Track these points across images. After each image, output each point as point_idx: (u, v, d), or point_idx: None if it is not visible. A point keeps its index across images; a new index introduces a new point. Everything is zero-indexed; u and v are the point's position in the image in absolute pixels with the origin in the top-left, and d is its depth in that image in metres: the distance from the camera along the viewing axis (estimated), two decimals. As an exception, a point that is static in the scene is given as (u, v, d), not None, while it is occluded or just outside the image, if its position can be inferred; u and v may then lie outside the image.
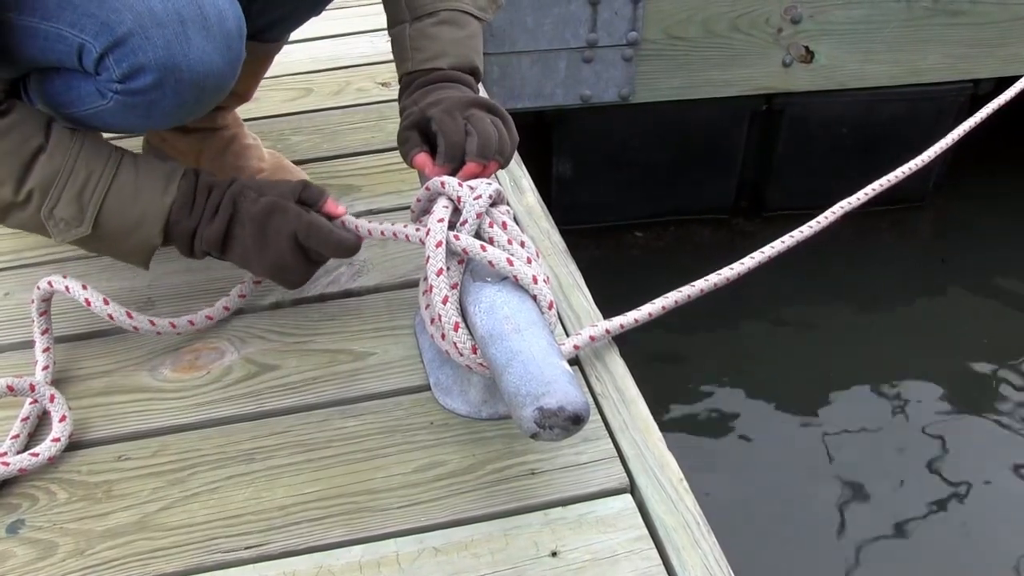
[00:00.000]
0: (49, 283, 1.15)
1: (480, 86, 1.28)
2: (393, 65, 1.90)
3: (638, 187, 2.73)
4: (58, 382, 1.17)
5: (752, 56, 2.55)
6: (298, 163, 1.54)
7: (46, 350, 1.18)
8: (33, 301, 1.18)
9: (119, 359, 1.20)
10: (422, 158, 1.14)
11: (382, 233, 1.11)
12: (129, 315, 1.15)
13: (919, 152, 2.23)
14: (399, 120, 1.68)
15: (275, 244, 1.09)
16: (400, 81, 1.27)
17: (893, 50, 2.61)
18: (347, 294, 1.28)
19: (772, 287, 2.64)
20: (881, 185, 1.48)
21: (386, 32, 2.06)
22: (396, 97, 1.77)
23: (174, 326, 1.19)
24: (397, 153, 1.57)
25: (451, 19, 1.23)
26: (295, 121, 1.73)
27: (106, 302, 1.14)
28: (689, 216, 2.82)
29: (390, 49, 1.96)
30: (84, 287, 1.14)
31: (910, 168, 1.55)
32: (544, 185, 2.63)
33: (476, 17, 1.26)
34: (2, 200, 1.05)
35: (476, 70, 1.24)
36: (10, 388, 1.09)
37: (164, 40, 0.97)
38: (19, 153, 1.03)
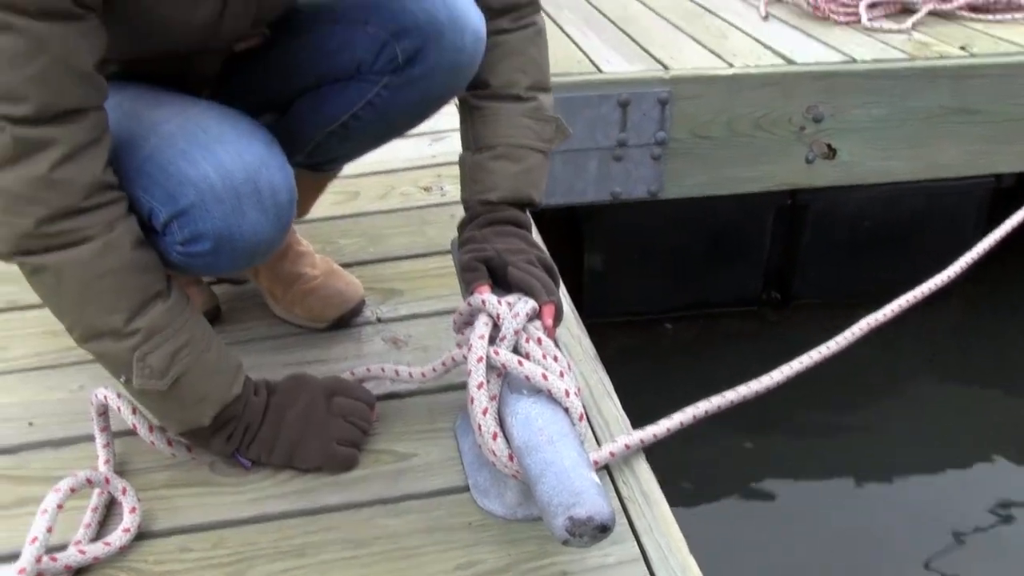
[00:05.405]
0: (104, 397, 1.25)
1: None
2: (434, 171, 2.06)
3: (667, 279, 2.83)
4: (121, 474, 1.25)
5: (775, 153, 2.65)
6: (345, 266, 1.64)
7: (106, 445, 1.28)
8: (92, 404, 1.27)
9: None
10: (485, 289, 1.22)
11: (441, 365, 1.27)
12: (169, 443, 1.25)
13: (941, 245, 2.31)
14: (439, 223, 1.82)
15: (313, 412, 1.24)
16: (462, 201, 1.35)
17: (913, 146, 2.71)
18: (391, 396, 1.38)
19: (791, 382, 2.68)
20: (908, 301, 1.55)
21: (430, 136, 2.23)
22: (436, 202, 1.92)
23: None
24: (437, 258, 1.71)
25: (508, 154, 1.30)
26: (343, 224, 1.85)
27: (151, 429, 1.23)
28: (718, 307, 2.90)
29: (432, 153, 2.13)
30: (134, 411, 1.23)
31: (935, 285, 1.62)
32: (576, 278, 2.73)
33: (537, 149, 1.32)
34: (107, 325, 1.09)
35: (529, 202, 1.32)
36: (89, 481, 1.18)
37: (222, 214, 1.08)
38: (145, 290, 1.10)
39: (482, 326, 1.14)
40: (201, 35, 1.18)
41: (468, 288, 1.23)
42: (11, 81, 0.97)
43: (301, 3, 1.34)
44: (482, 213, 1.30)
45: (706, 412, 1.33)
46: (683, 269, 2.81)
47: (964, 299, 2.96)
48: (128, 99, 1.16)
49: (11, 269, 1.11)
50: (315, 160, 1.43)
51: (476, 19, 1.27)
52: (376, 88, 1.30)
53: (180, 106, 1.17)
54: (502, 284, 1.23)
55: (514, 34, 1.33)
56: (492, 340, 1.13)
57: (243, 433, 1.22)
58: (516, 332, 1.13)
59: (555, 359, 1.13)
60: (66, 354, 1.49)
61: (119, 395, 1.24)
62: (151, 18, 1.11)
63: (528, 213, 1.35)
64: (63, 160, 1.01)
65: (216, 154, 1.09)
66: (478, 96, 1.33)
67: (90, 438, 1.30)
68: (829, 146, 2.67)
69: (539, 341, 1.14)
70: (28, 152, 1.00)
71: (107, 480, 1.20)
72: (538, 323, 1.17)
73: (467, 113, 1.35)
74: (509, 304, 1.16)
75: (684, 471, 2.38)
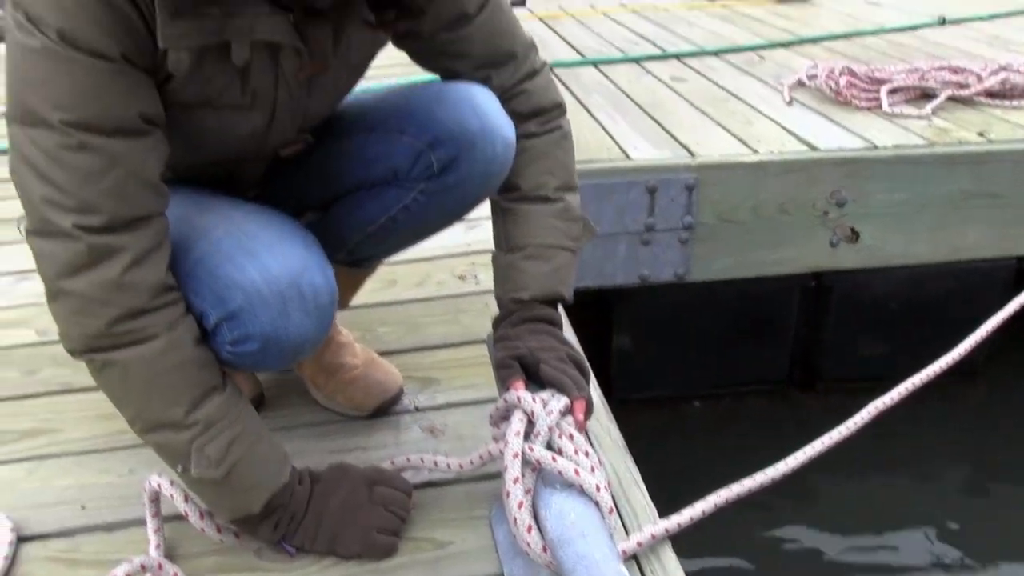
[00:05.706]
0: (158, 484, 1.31)
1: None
2: (468, 258, 2.14)
3: (694, 359, 2.88)
4: (171, 559, 1.31)
5: (800, 237, 2.71)
6: (384, 354, 1.71)
7: (157, 531, 1.34)
8: (145, 491, 1.33)
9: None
10: (520, 386, 1.28)
11: (479, 458, 1.32)
12: (219, 530, 1.30)
13: (966, 326, 2.34)
14: (474, 312, 1.89)
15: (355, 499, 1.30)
16: (496, 298, 1.42)
17: (934, 229, 2.76)
18: (429, 484, 1.43)
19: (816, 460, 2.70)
20: (914, 384, 1.61)
21: (464, 224, 2.31)
22: (471, 291, 2.00)
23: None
24: (472, 348, 1.78)
25: (538, 254, 1.37)
26: (381, 313, 1.92)
27: (201, 516, 1.29)
28: (744, 387, 2.94)
29: (467, 241, 2.21)
30: (186, 498, 1.29)
31: (947, 363, 1.68)
32: (605, 358, 2.79)
33: (566, 248, 1.39)
34: (168, 417, 1.14)
35: (559, 299, 1.38)
36: (143, 567, 1.24)
37: (269, 317, 1.15)
38: (203, 384, 1.16)
39: (517, 422, 1.20)
40: (250, 144, 1.27)
41: (503, 384, 1.30)
42: (88, 195, 1.05)
43: (341, 110, 1.44)
44: (515, 311, 1.37)
45: (727, 500, 1.38)
46: (710, 350, 2.86)
47: (989, 379, 2.98)
48: (179, 204, 1.23)
49: (65, 353, 1.16)
50: (354, 258, 1.52)
51: (506, 128, 1.34)
52: (412, 194, 1.39)
53: (227, 211, 1.25)
54: (535, 380, 1.29)
55: (542, 138, 1.41)
56: (527, 436, 1.20)
57: (288, 521, 1.28)
58: (550, 428, 1.19)
59: (586, 454, 1.19)
60: (118, 438, 1.55)
61: (172, 482, 1.30)
62: (205, 130, 1.21)
63: (560, 308, 1.41)
64: (132, 265, 1.09)
65: (261, 259, 1.16)
66: (508, 199, 1.41)
67: (140, 522, 1.36)
68: (852, 230, 2.73)
69: (571, 437, 1.20)
70: (101, 259, 1.08)
71: (160, 566, 1.26)
72: (570, 418, 1.23)
73: (499, 214, 1.43)
74: (543, 401, 1.22)
75: (708, 552, 2.40)
